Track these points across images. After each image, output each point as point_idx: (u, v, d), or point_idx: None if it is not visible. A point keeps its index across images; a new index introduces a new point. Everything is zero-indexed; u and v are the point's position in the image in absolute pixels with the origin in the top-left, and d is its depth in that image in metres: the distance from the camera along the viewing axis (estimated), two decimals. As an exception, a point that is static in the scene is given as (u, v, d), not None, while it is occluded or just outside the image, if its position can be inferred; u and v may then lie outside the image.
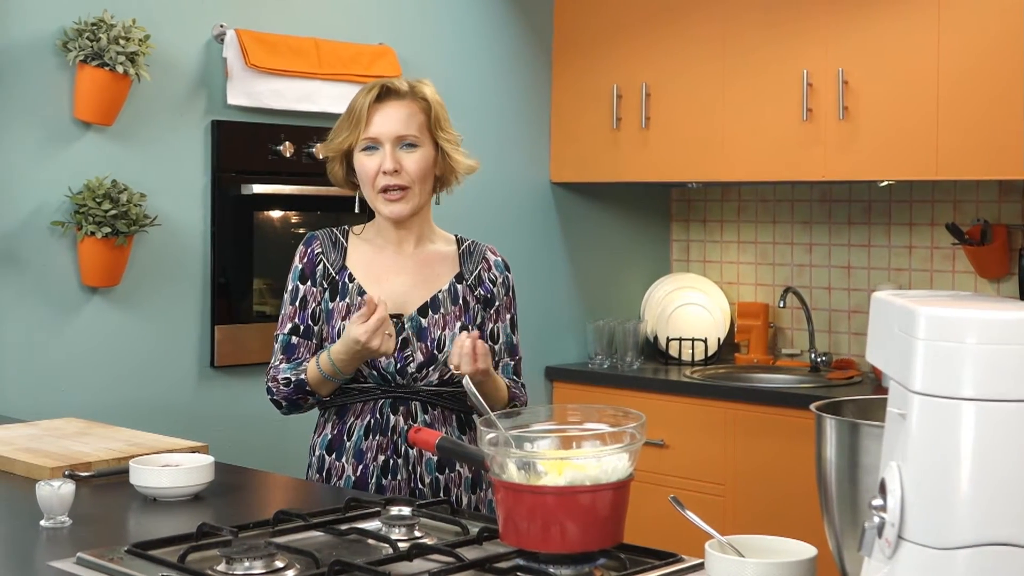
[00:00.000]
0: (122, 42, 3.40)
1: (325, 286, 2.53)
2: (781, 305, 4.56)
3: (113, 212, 3.39)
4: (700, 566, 1.74)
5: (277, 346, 2.54)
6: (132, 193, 3.47)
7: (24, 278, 3.41)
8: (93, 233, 3.39)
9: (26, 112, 3.40)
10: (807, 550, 1.63)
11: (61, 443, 2.65)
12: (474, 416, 2.52)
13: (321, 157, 2.65)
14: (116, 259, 3.47)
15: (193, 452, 2.50)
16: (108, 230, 3.39)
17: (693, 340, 4.76)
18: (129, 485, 2.28)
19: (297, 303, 2.53)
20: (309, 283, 2.54)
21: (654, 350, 4.88)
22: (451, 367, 2.38)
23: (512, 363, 2.61)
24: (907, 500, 1.21)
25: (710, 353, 4.78)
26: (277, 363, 2.52)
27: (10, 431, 2.82)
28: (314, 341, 2.52)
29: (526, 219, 4.67)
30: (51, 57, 3.42)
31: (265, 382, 2.53)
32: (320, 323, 2.53)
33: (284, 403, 2.51)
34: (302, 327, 2.52)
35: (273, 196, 3.85)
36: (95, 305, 3.53)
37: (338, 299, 2.52)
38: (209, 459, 2.36)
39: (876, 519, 1.24)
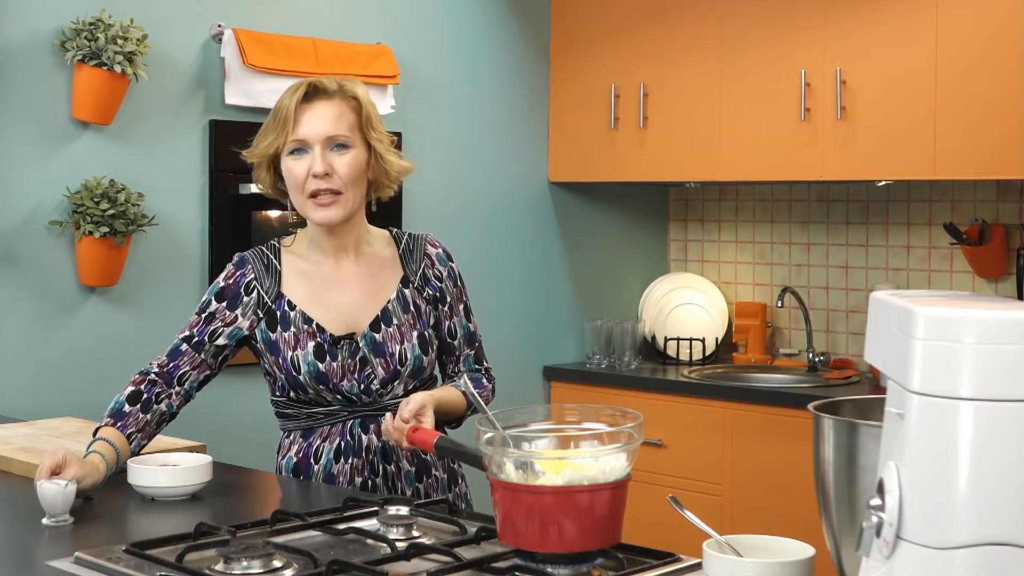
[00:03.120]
0: (120, 42, 3.39)
1: (260, 315, 2.41)
2: (779, 305, 4.56)
3: (111, 212, 3.39)
4: (698, 566, 1.74)
5: (169, 346, 2.43)
6: (130, 193, 3.47)
7: (22, 278, 3.41)
8: (91, 233, 3.38)
9: (24, 112, 3.39)
10: (805, 550, 1.63)
11: (59, 442, 2.65)
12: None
13: (248, 162, 2.45)
14: (114, 259, 3.46)
15: (191, 451, 2.50)
16: (106, 230, 3.39)
17: (691, 340, 4.76)
18: (127, 484, 2.28)
19: (203, 316, 2.41)
20: (224, 304, 2.41)
21: (652, 350, 4.88)
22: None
23: (472, 352, 2.56)
24: (905, 500, 1.21)
25: (708, 353, 4.78)
26: (155, 361, 2.40)
27: (8, 430, 2.82)
28: (201, 356, 2.40)
29: (524, 219, 4.67)
30: (49, 57, 3.42)
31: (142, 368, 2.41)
32: (216, 340, 2.39)
33: (120, 397, 2.37)
34: (195, 339, 2.40)
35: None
36: (93, 305, 3.53)
37: (280, 330, 2.40)
38: (207, 459, 2.35)
39: (874, 519, 1.24)
